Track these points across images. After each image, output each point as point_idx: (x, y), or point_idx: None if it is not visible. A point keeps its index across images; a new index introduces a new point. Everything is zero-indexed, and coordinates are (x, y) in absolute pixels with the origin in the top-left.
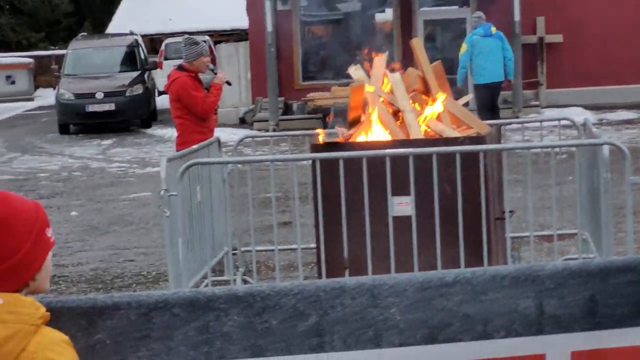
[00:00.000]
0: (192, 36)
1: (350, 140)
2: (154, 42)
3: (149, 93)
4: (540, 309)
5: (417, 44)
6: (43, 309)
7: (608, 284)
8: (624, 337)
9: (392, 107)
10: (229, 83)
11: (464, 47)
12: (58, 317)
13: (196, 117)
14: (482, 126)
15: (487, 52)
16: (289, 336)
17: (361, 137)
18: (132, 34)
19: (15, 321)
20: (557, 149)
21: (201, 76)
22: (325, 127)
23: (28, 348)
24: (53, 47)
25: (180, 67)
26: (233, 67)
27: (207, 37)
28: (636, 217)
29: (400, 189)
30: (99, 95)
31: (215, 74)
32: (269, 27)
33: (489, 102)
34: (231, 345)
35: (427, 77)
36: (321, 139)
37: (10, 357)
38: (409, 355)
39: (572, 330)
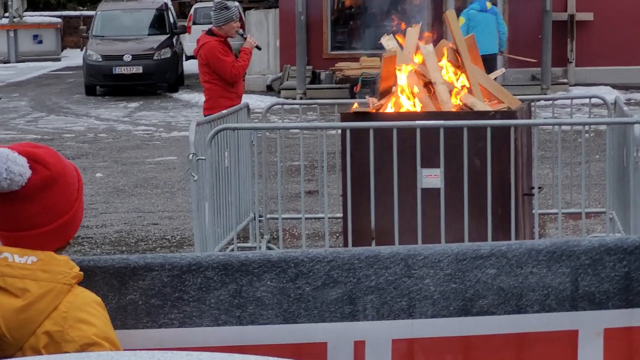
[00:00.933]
0: (223, 0)
1: (381, 110)
2: (183, 6)
3: (177, 57)
4: (575, 284)
5: (451, 16)
6: (77, 269)
7: None
8: None
9: (423, 78)
10: (258, 47)
11: (462, 20)
12: (90, 276)
13: (225, 82)
14: (513, 101)
15: (483, 26)
16: (322, 303)
17: (392, 108)
18: None
19: (49, 279)
20: (586, 127)
21: (231, 42)
22: (352, 97)
23: (60, 307)
24: (82, 8)
25: (209, 32)
26: (262, 34)
27: (236, 3)
28: None
29: (430, 161)
30: (127, 58)
31: (245, 38)
32: None
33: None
34: (263, 311)
35: (459, 50)
36: (354, 108)
37: (43, 315)
38: (442, 327)
39: (606, 308)
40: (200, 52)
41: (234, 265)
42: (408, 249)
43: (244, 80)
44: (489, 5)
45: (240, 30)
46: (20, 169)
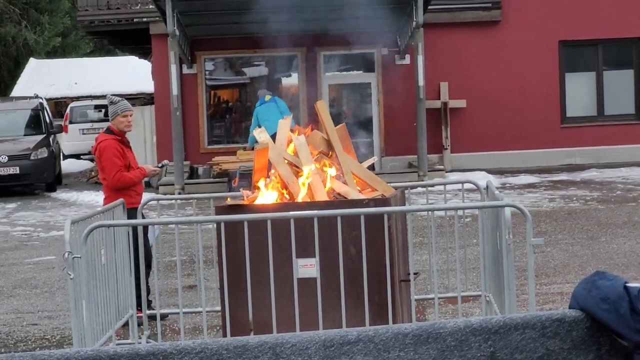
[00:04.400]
0: (112, 95)
1: (255, 202)
2: (59, 105)
3: (54, 156)
4: None
5: (322, 106)
6: None
7: (508, 340)
8: None
9: (296, 169)
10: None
11: (253, 120)
12: None
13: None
14: (386, 188)
15: (267, 115)
16: None
17: (266, 200)
18: (37, 97)
19: None
20: (460, 212)
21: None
22: (230, 190)
23: None
24: None
25: (107, 130)
26: (138, 130)
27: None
28: (538, 279)
29: (305, 251)
30: (3, 159)
31: (162, 167)
32: (175, 90)
33: None
34: None
35: (331, 140)
36: (227, 201)
37: None
38: None
39: None
40: (97, 149)
41: None
42: (276, 337)
43: None
44: (267, 97)
45: (166, 162)
46: None
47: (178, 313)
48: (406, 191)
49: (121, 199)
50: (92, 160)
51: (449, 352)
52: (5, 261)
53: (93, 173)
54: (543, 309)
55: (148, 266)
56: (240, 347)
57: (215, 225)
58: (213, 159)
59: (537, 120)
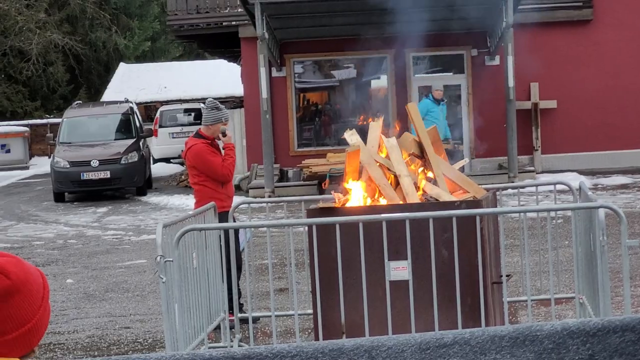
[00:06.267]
0: (215, 100)
1: (347, 205)
2: (149, 109)
3: (144, 160)
4: None
5: (413, 108)
6: None
7: (607, 343)
8: None
9: (388, 171)
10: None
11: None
12: None
13: (214, 182)
14: (478, 190)
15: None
16: None
17: (357, 202)
18: (127, 101)
19: None
20: (553, 214)
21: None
22: (321, 193)
23: None
24: (48, 116)
25: (197, 134)
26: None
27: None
28: (633, 281)
29: (397, 254)
30: (94, 163)
31: (225, 135)
32: (264, 94)
33: None
34: None
35: (423, 142)
36: (319, 204)
37: None
38: None
39: None
40: (188, 155)
41: None
42: (371, 340)
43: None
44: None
45: (223, 128)
46: None
47: (270, 316)
48: (497, 193)
49: (212, 203)
50: (182, 164)
51: (546, 355)
52: (97, 265)
53: (183, 177)
54: (638, 311)
55: (238, 269)
56: (335, 350)
57: (306, 228)
58: (303, 162)
59: (630, 120)
